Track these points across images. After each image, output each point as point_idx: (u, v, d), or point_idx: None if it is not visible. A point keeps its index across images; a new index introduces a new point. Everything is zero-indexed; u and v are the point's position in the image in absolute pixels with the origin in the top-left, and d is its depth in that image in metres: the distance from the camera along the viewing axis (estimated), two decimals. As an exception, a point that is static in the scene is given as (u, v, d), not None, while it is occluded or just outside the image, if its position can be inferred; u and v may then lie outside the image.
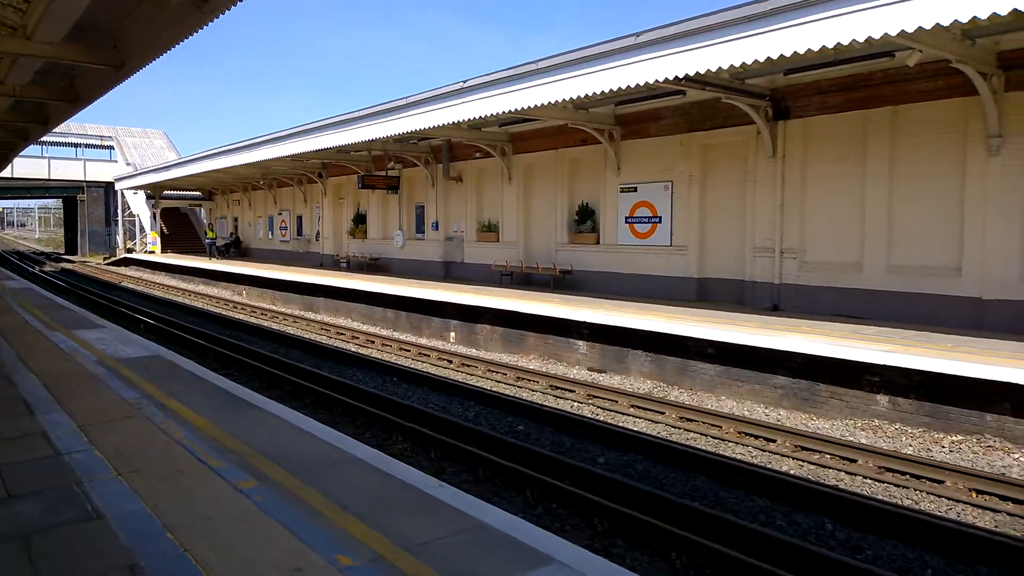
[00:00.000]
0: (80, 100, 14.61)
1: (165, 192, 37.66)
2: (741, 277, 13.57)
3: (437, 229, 21.13)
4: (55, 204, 75.37)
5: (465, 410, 9.97)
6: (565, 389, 10.86)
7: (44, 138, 26.83)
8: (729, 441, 8.23)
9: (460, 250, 20.47)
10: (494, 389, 11.05)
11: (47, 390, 6.99)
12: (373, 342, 15.75)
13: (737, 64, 9.13)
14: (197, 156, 28.76)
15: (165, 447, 5.36)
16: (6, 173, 35.84)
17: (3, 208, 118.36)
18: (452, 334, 15.66)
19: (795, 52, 8.49)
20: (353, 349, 15.10)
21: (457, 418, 9.15)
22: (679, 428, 8.81)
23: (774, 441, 8.07)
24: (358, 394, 10.46)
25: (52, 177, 45.35)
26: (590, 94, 11.14)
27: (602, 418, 9.35)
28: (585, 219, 16.92)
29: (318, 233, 27.83)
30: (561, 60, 11.47)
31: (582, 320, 12.25)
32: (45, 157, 44.52)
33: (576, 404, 10.15)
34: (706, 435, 8.50)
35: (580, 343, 12.63)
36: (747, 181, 13.51)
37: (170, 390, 6.99)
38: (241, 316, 20.38)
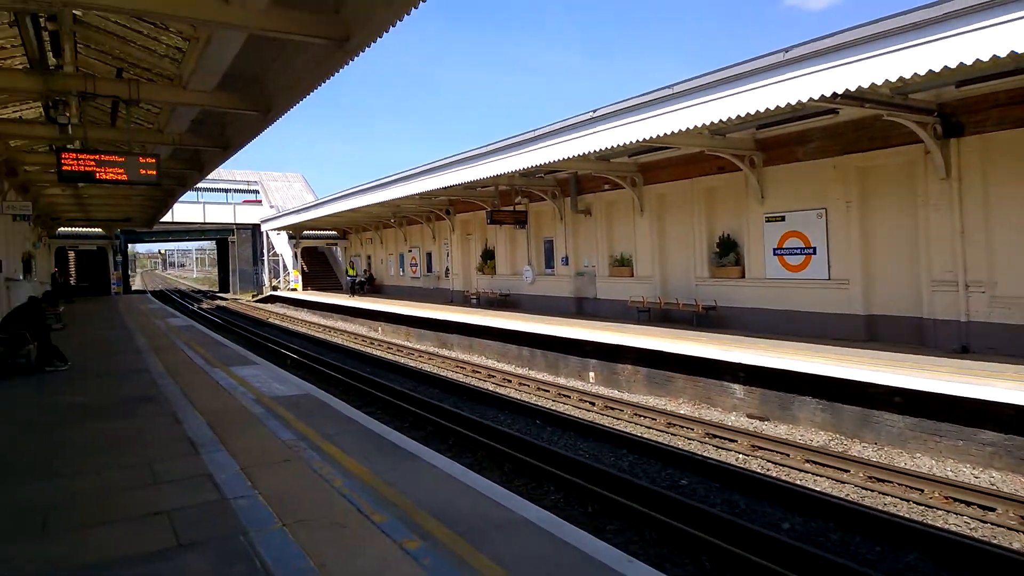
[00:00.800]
0: (231, 146, 15.51)
1: (304, 232, 39.78)
2: (919, 314, 12.11)
3: (567, 264, 20.73)
4: (209, 245, 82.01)
5: (617, 459, 9.33)
6: (725, 438, 9.96)
7: (199, 185, 28.95)
8: (937, 508, 7.09)
9: (592, 285, 19.94)
10: (645, 436, 10.32)
11: (210, 429, 7.06)
12: (510, 381, 15.43)
13: (907, 76, 8.10)
14: (332, 197, 30.11)
15: (326, 496, 5.13)
16: (167, 218, 39.20)
17: (166, 250, 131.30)
18: (591, 374, 15.07)
19: (977, 60, 7.38)
20: (491, 388, 14.83)
21: (610, 468, 8.53)
22: (871, 490, 7.71)
23: (993, 510, 6.86)
24: (502, 438, 10.09)
25: (207, 220, 49.22)
26: (732, 117, 10.32)
27: (774, 474, 8.41)
28: (727, 251, 15.92)
29: (447, 269, 28.22)
30: (698, 83, 10.75)
31: (736, 361, 11.31)
32: (200, 202, 48.42)
33: (741, 457, 9.23)
34: (907, 500, 7.37)
35: (736, 386, 11.66)
36: (917, 206, 12.14)
37: (324, 431, 6.87)
38: (378, 352, 20.77)
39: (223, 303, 43.81)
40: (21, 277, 17.77)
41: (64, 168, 10.06)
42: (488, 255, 24.81)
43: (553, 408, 12.62)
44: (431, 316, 21.70)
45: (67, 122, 11.04)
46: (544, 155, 14.72)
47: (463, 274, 26.81)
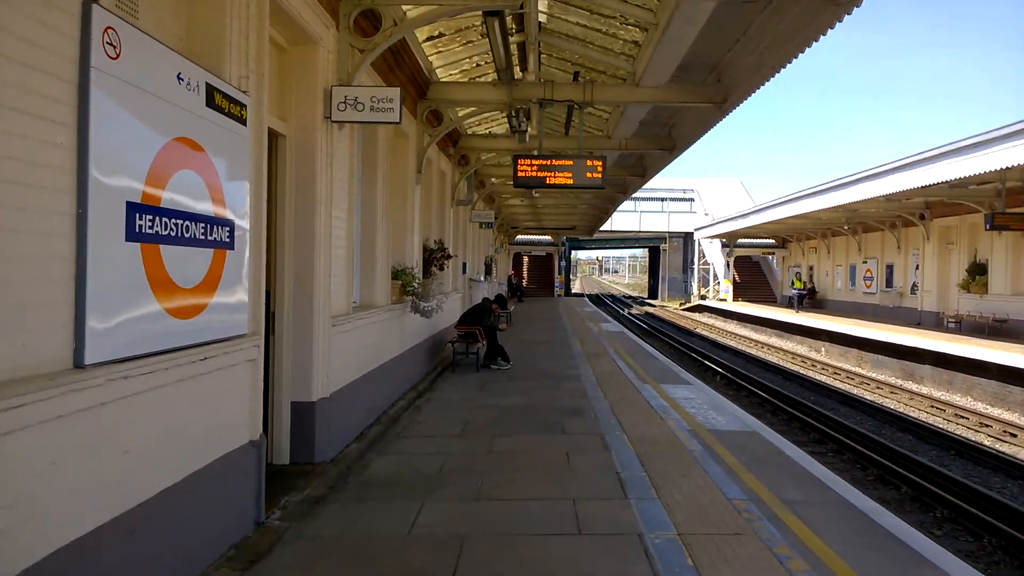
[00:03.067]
0: (676, 147, 14.69)
1: (739, 240, 38.02)
2: None
3: (1110, 284, 14.95)
4: (641, 252, 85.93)
5: None
6: None
7: (636, 194, 29.47)
8: None
9: None
10: None
11: (640, 464, 5.96)
12: (1015, 435, 11.44)
13: None
14: (774, 202, 27.76)
15: (803, 617, 3.45)
16: (606, 226, 41.31)
17: (602, 257, 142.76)
18: None
19: None
20: (987, 443, 11.14)
21: None
22: None
23: None
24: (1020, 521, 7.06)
25: (642, 228, 50.93)
26: None
27: None
28: None
29: (915, 285, 23.39)
30: None
31: None
32: (637, 211, 50.25)
33: None
34: None
35: None
36: None
37: (783, 495, 5.15)
38: (823, 378, 17.89)
39: (651, 310, 44.72)
40: (482, 279, 19.96)
41: (520, 175, 10.31)
42: (978, 269, 19.55)
43: (1108, 492, 8.65)
44: (892, 340, 17.93)
45: (526, 130, 11.42)
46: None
47: (937, 291, 21.80)
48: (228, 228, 4.21)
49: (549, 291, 44.81)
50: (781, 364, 20.36)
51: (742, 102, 10.59)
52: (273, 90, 5.95)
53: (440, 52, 10.56)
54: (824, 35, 7.89)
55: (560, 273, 47.24)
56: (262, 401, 4.85)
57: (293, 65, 6.16)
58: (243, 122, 4.48)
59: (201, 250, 3.89)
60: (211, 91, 4.02)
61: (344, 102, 6.28)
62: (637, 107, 12.12)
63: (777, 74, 9.24)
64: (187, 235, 3.72)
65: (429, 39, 9.89)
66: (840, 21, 7.50)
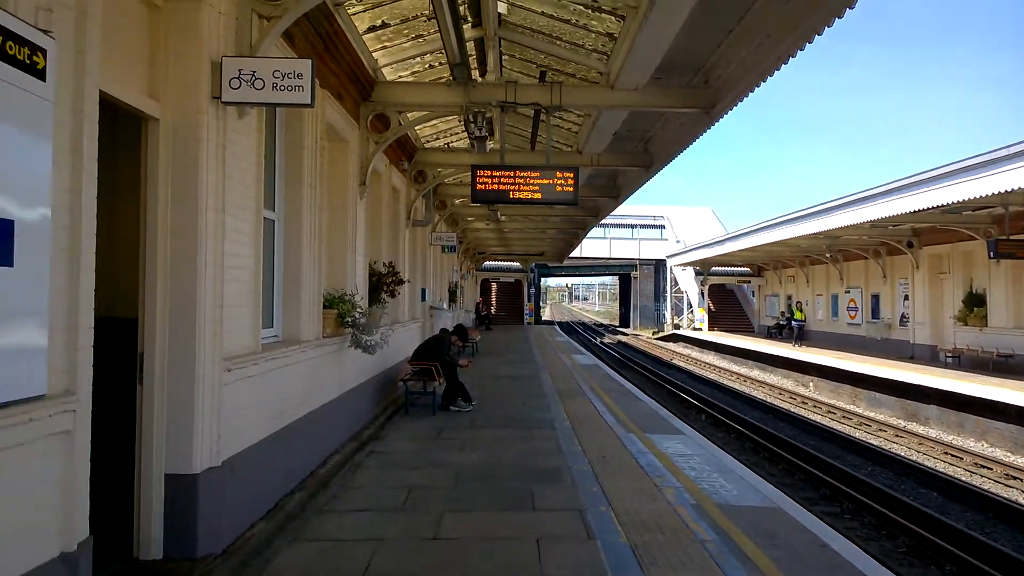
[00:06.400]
0: (654, 164, 13.40)
1: (713, 268, 36.97)
2: None
3: (1125, 315, 13.82)
4: (611, 280, 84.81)
5: None
6: None
7: (605, 220, 28.05)
8: None
9: None
10: None
11: (638, 564, 4.35)
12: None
13: None
14: (749, 229, 26.69)
15: None
16: (576, 253, 39.94)
17: (571, 284, 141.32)
18: None
19: None
20: (1022, 500, 9.74)
21: None
22: None
23: None
24: None
25: (612, 256, 49.74)
26: None
27: None
28: None
29: (904, 316, 22.25)
30: None
31: None
32: (607, 238, 49.03)
33: None
34: None
35: None
36: None
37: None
38: (818, 418, 16.42)
39: (624, 339, 43.36)
40: (445, 306, 18.27)
41: (479, 187, 8.80)
42: (975, 300, 18.37)
43: None
44: (890, 376, 16.57)
45: (486, 136, 9.97)
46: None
47: (931, 323, 20.56)
48: (-5, 232, 2.59)
49: (519, 319, 43.16)
50: (768, 400, 18.94)
51: (734, 107, 9.25)
52: (135, 57, 4.37)
53: (386, 48, 9.06)
54: (840, 17, 6.57)
55: (530, 300, 45.62)
56: (85, 489, 3.29)
57: (169, 28, 4.54)
58: (39, 75, 2.89)
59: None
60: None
61: (238, 78, 4.67)
62: (611, 116, 10.77)
63: (777, 71, 7.92)
64: None
65: (372, 29, 8.38)
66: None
